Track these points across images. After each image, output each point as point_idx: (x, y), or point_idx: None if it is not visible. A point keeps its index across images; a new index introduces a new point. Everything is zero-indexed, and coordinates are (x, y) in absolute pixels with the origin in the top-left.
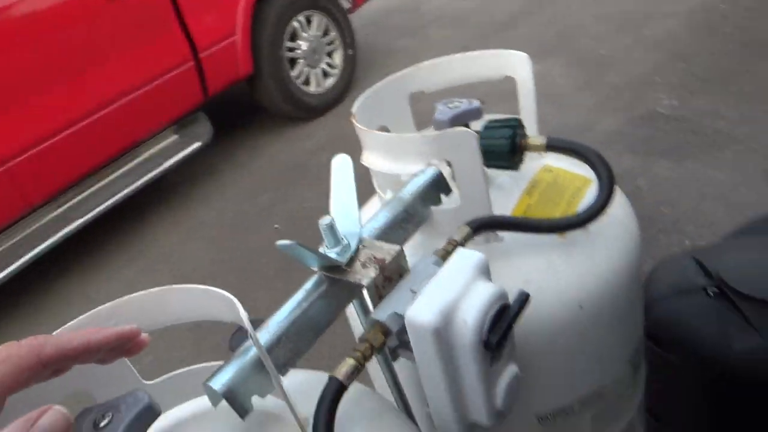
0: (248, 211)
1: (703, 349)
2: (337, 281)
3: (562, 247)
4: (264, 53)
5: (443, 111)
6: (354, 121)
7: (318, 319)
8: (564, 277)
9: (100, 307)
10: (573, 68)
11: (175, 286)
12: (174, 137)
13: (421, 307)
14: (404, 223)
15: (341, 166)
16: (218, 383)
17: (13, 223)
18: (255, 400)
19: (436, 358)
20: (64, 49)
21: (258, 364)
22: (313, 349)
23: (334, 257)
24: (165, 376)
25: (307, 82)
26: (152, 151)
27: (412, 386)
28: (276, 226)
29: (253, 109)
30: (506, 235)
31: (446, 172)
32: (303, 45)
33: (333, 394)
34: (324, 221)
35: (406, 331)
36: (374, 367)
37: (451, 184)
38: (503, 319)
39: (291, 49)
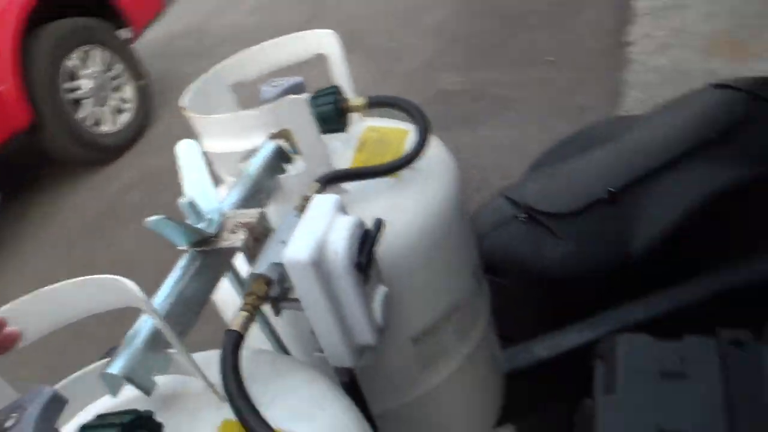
0: (61, 271)
1: (524, 265)
2: (209, 253)
3: (398, 187)
4: (42, 99)
5: (268, 91)
6: (187, 112)
7: (197, 296)
8: (405, 210)
9: None
10: (370, 63)
11: (55, 285)
12: None
13: (295, 247)
14: (257, 195)
15: (187, 150)
16: (116, 368)
17: None
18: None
19: (318, 289)
20: None
21: (151, 343)
22: None
23: (203, 228)
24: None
25: (98, 123)
26: None
27: (293, 343)
28: None
29: (43, 161)
30: (350, 187)
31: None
32: (85, 84)
33: (233, 342)
34: (183, 200)
35: (286, 279)
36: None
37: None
38: (367, 242)
39: (72, 90)
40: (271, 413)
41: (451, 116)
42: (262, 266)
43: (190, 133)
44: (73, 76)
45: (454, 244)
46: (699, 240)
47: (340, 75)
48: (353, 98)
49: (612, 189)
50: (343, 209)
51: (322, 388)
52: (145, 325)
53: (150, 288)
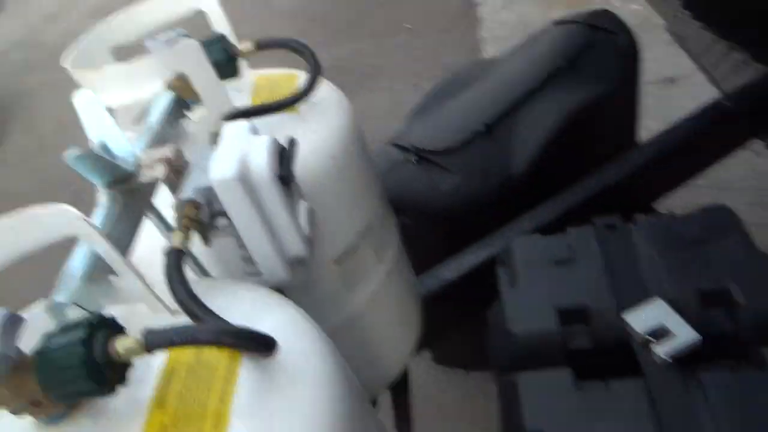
0: None
1: (422, 201)
2: (130, 191)
3: (299, 120)
4: None
5: (154, 44)
6: (76, 71)
7: (122, 238)
8: (310, 138)
9: None
10: None
11: None
12: None
13: (220, 167)
14: (164, 142)
15: (87, 102)
16: (63, 296)
17: None
18: None
19: (248, 203)
20: None
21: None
22: None
23: (123, 165)
24: None
25: None
26: None
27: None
28: None
29: None
30: (257, 124)
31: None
32: None
33: (175, 257)
34: (94, 144)
35: (213, 201)
36: None
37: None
38: (285, 156)
39: None
40: None
41: None
42: (188, 192)
43: (44, 149)
44: None
45: (358, 166)
46: (566, 153)
47: (222, 27)
48: (241, 43)
49: (488, 122)
50: (256, 131)
51: (263, 294)
52: (84, 253)
53: None
